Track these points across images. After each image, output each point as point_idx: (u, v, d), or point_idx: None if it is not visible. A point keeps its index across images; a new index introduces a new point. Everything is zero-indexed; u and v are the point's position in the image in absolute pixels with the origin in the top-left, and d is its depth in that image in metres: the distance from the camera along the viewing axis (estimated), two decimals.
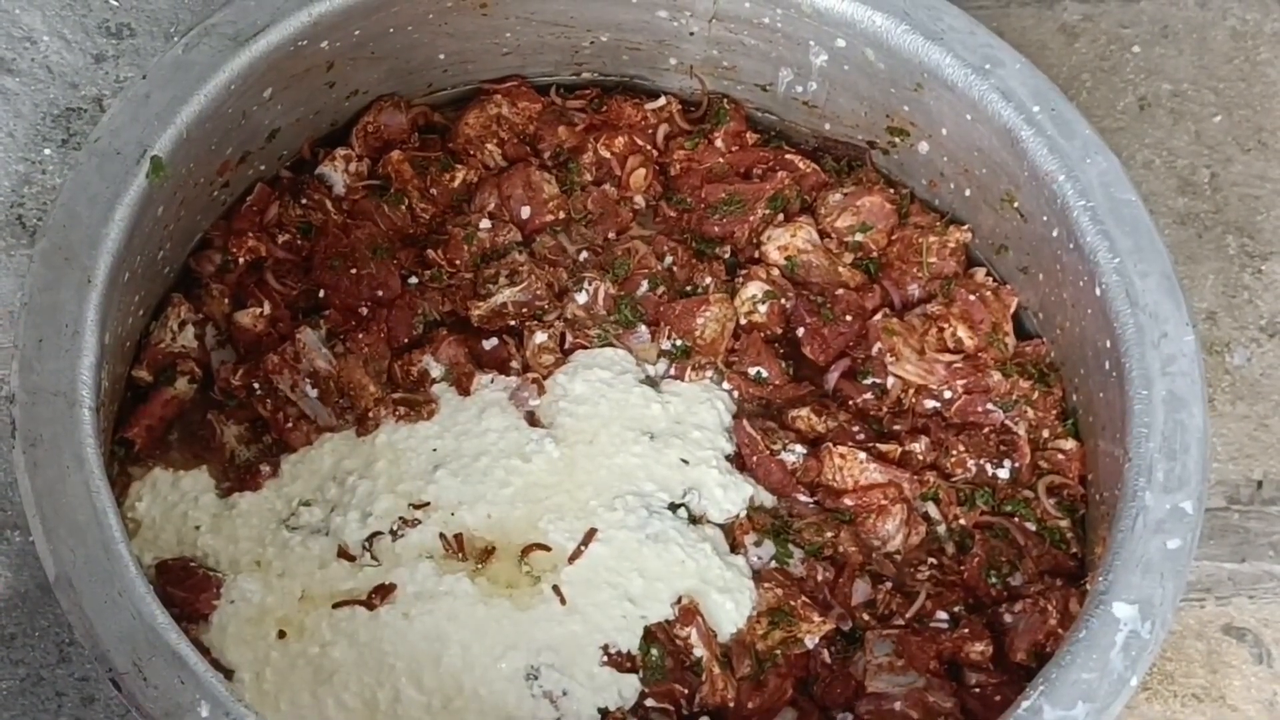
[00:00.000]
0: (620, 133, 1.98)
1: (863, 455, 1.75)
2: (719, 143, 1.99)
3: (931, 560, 1.75)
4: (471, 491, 1.71)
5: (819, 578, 1.71)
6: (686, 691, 1.64)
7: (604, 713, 1.61)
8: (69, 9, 2.12)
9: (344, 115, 1.94)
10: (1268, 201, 2.14)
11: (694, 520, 1.73)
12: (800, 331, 1.87)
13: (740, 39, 1.92)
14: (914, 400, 1.83)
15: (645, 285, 1.86)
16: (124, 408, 1.74)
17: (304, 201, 1.89)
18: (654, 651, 1.64)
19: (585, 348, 1.83)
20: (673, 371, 1.84)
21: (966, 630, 1.67)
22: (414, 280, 1.86)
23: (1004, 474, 1.78)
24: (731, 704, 1.64)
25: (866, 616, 1.69)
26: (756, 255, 1.93)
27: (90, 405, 1.52)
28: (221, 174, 1.82)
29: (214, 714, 1.39)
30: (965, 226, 1.92)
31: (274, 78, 1.76)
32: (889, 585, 1.71)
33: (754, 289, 1.86)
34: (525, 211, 1.91)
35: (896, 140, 1.94)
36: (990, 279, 1.91)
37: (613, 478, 1.74)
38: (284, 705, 1.59)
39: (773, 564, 1.71)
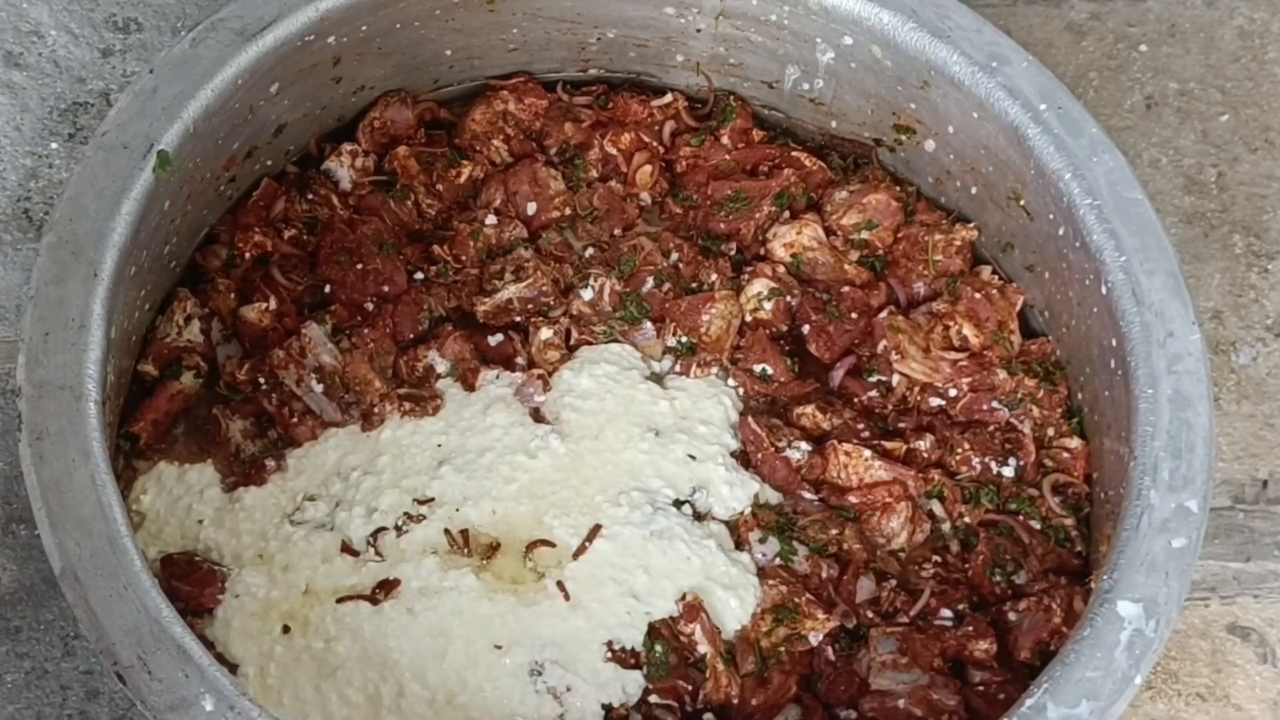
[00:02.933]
0: (626, 129, 1.98)
1: (868, 453, 1.75)
2: (725, 140, 1.99)
3: (936, 558, 1.75)
4: (476, 487, 1.71)
5: (823, 575, 1.71)
6: (690, 688, 1.64)
7: (608, 709, 1.61)
8: (76, 3, 2.12)
9: (350, 111, 1.95)
10: (1274, 201, 2.13)
11: (699, 517, 1.73)
12: (805, 329, 1.87)
13: (747, 36, 1.91)
14: (919, 398, 1.83)
15: (651, 282, 1.86)
16: (129, 402, 1.74)
17: (310, 197, 1.89)
18: (658, 648, 1.64)
19: (590, 344, 1.83)
20: (678, 368, 1.83)
21: (971, 628, 1.67)
22: (420, 276, 1.86)
23: (1009, 472, 1.78)
24: (735, 701, 1.64)
25: (871, 614, 1.69)
26: (762, 252, 1.93)
27: (96, 399, 1.52)
28: (228, 169, 1.82)
29: (218, 708, 1.39)
30: (971, 224, 1.92)
31: (281, 73, 1.76)
32: (893, 583, 1.71)
33: (759, 286, 1.86)
34: (531, 208, 1.91)
35: (903, 138, 1.93)
36: (996, 277, 1.91)
37: (618, 474, 1.74)
38: (288, 699, 1.59)
39: (777, 561, 1.71)
